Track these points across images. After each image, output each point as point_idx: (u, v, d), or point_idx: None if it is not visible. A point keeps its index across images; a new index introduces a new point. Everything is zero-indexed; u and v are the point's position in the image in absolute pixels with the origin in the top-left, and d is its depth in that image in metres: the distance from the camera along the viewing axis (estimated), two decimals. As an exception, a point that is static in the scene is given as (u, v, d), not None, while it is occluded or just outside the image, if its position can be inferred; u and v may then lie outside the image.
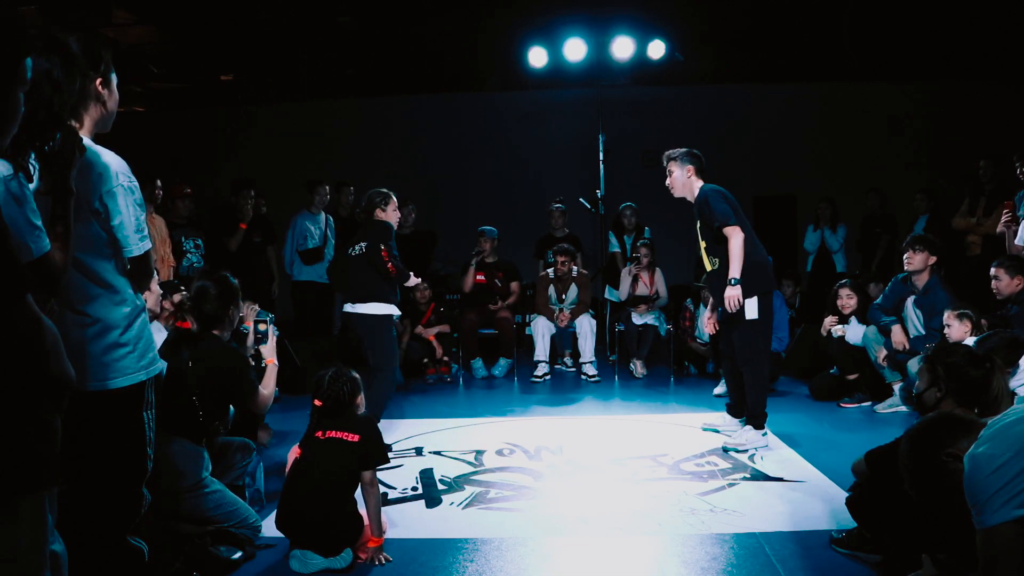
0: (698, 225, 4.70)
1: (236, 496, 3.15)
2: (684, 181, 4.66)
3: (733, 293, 4.40)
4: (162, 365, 2.36)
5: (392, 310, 4.88)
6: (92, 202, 2.12)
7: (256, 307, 4.98)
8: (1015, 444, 1.96)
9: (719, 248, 4.53)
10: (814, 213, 8.26)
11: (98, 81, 2.21)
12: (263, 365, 3.48)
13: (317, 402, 3.06)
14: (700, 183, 4.66)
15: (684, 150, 4.70)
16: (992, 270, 4.82)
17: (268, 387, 3.31)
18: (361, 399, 3.13)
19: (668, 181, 4.72)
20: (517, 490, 3.82)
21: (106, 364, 2.15)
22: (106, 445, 2.17)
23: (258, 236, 7.14)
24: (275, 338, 3.56)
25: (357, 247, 4.91)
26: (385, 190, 5.02)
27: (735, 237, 4.42)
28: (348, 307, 4.93)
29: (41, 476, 1.53)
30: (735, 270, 4.40)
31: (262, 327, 3.61)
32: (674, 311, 7.36)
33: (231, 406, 3.37)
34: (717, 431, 4.83)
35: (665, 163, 4.73)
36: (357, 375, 3.12)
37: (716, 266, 4.60)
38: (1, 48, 1.57)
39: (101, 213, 2.13)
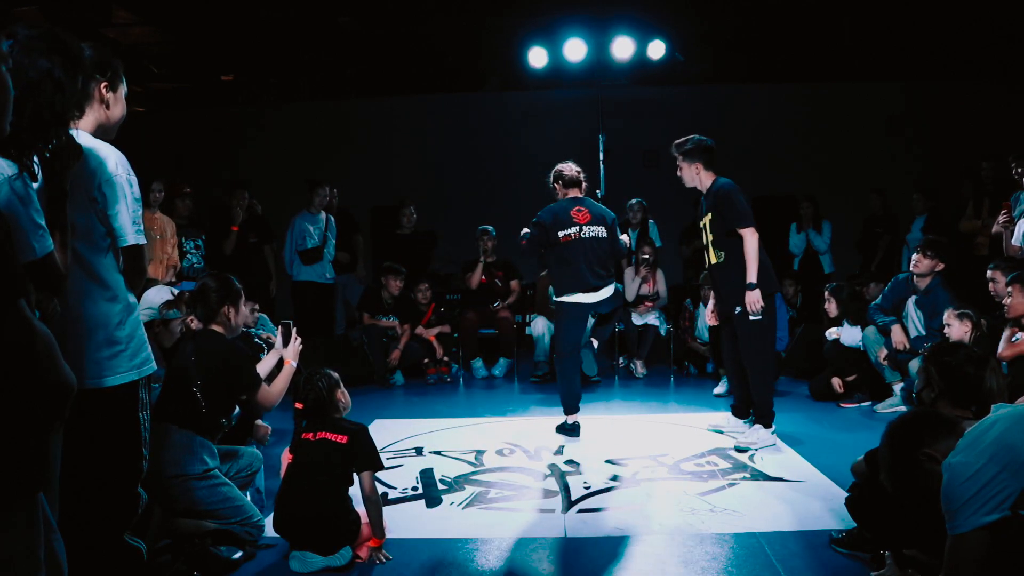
0: (708, 217, 4.63)
1: (242, 494, 3.16)
2: (692, 176, 4.65)
3: (754, 297, 4.39)
4: (155, 366, 2.35)
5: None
6: (90, 191, 2.12)
7: (255, 306, 4.98)
8: (987, 451, 1.98)
9: (728, 242, 4.51)
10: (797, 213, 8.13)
11: (103, 85, 2.22)
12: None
13: (298, 405, 3.06)
14: (712, 177, 4.62)
15: (691, 144, 4.61)
16: (988, 272, 4.82)
17: (277, 386, 3.27)
18: (341, 394, 3.11)
19: (679, 172, 4.70)
20: (517, 490, 3.82)
21: (98, 362, 2.15)
22: (101, 444, 2.17)
23: (254, 236, 7.15)
24: (298, 342, 3.48)
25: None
26: None
27: (751, 239, 4.41)
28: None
29: (35, 481, 1.53)
30: (752, 274, 4.39)
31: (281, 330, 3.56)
32: (674, 311, 7.36)
33: (235, 404, 3.35)
34: (722, 432, 4.82)
35: (674, 154, 4.68)
36: (334, 373, 3.11)
37: (722, 259, 4.57)
38: None
39: (98, 202, 2.14)
